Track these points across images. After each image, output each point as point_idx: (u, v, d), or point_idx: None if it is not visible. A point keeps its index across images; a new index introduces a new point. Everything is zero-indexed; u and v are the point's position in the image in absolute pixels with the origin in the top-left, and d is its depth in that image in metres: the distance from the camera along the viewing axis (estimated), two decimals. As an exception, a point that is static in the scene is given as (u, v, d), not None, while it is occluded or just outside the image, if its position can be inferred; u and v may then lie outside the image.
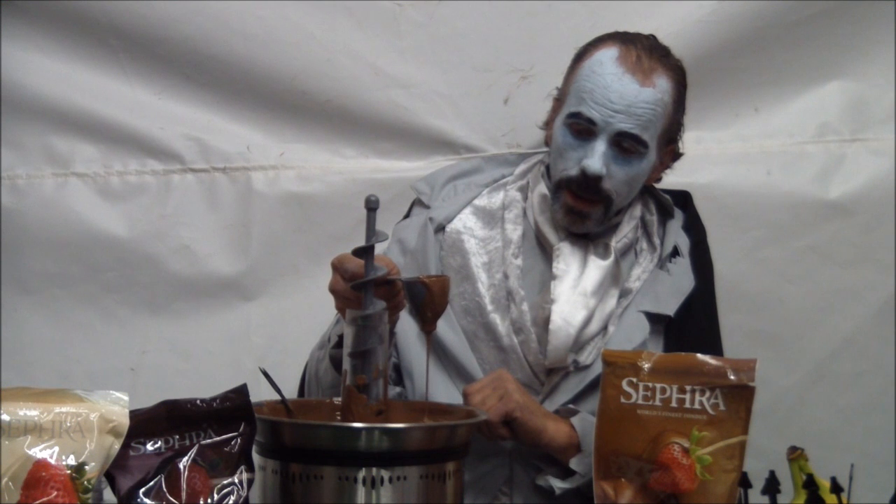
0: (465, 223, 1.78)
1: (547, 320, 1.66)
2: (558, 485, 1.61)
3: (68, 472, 1.11)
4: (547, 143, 1.78)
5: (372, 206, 1.35)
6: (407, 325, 1.67)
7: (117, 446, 1.15)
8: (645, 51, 1.66)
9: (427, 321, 1.44)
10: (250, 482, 1.22)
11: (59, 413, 1.13)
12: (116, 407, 1.17)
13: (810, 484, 1.32)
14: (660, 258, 1.76)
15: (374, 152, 2.14)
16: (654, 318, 1.70)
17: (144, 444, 1.19)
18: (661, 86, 1.66)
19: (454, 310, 1.71)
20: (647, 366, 1.37)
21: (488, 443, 1.62)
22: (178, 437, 1.21)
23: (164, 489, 1.18)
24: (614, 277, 1.71)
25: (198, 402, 1.22)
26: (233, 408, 1.23)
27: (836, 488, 1.30)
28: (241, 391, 1.25)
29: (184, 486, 1.18)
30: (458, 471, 1.32)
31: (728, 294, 1.90)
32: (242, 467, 1.22)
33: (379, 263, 1.39)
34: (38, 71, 2.11)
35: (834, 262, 2.07)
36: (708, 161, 2.08)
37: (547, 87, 1.81)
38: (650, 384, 1.36)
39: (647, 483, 1.34)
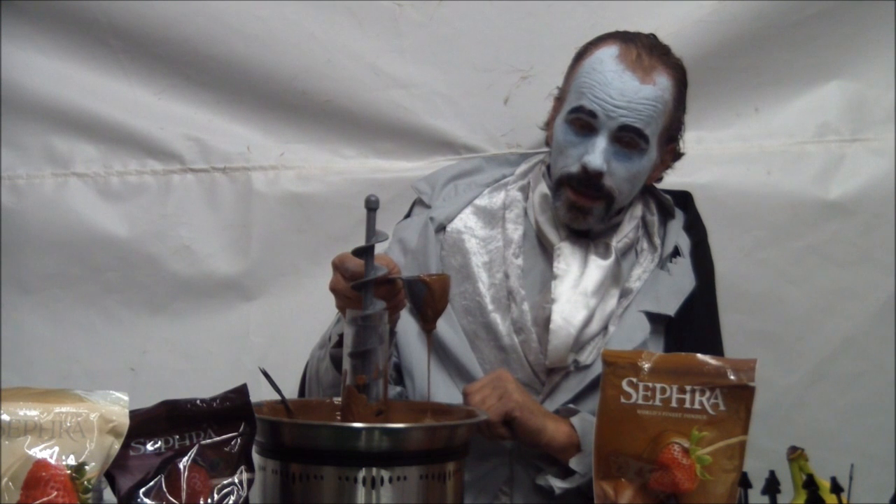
0: (466, 223, 1.78)
1: (547, 320, 1.66)
2: (558, 484, 1.61)
3: (68, 472, 1.11)
4: (548, 143, 1.78)
5: (372, 206, 1.35)
6: (407, 325, 1.67)
7: (117, 446, 1.15)
8: (645, 49, 1.67)
9: (428, 320, 1.44)
10: (250, 482, 1.22)
11: (59, 413, 1.13)
12: (116, 407, 1.16)
13: (810, 484, 1.32)
14: (660, 258, 1.76)
15: (374, 152, 2.14)
16: (654, 318, 1.70)
17: (144, 444, 1.19)
18: (662, 83, 1.66)
19: (455, 309, 1.71)
20: (647, 366, 1.37)
21: (489, 442, 1.62)
22: (178, 437, 1.21)
23: (164, 489, 1.18)
24: (615, 277, 1.71)
25: (198, 402, 1.22)
26: (233, 408, 1.23)
27: (836, 488, 1.30)
28: (241, 391, 1.25)
29: (184, 486, 1.18)
30: (459, 471, 1.32)
31: (728, 294, 1.90)
32: (242, 467, 1.22)
33: (379, 263, 1.39)
34: (38, 71, 2.12)
35: (834, 262, 2.07)
36: (708, 161, 2.08)
37: (547, 87, 1.81)
38: (650, 384, 1.36)
39: (647, 483, 1.34)
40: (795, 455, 1.35)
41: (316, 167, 2.14)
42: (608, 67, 1.65)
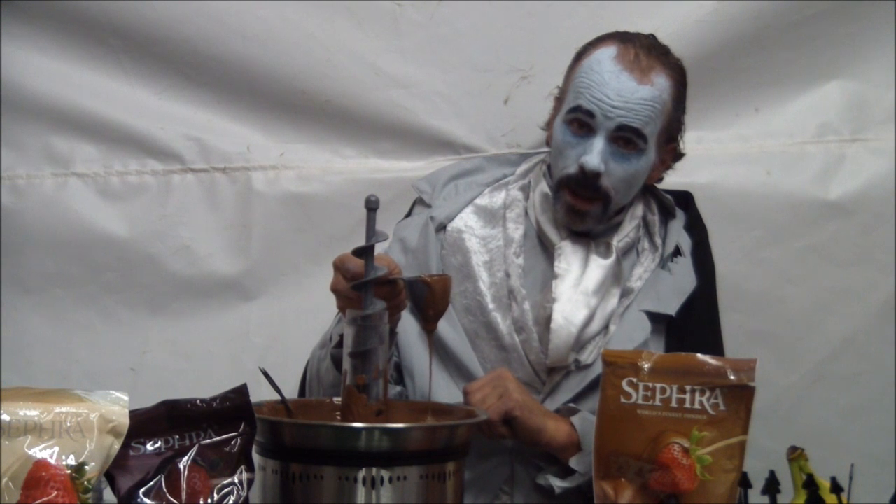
0: (467, 222, 1.78)
1: (548, 319, 1.66)
2: (558, 484, 1.61)
3: (68, 472, 1.11)
4: (548, 142, 1.78)
5: (372, 206, 1.35)
6: (408, 325, 1.67)
7: (117, 446, 1.15)
8: (643, 49, 1.67)
9: (429, 320, 1.44)
10: (250, 482, 1.22)
11: (59, 413, 1.13)
12: (116, 407, 1.16)
13: (810, 484, 1.32)
14: (661, 258, 1.76)
15: (374, 152, 2.14)
16: (655, 318, 1.70)
17: (144, 444, 1.19)
18: (660, 84, 1.66)
19: (455, 308, 1.71)
20: (647, 366, 1.37)
21: (489, 442, 1.62)
22: (178, 437, 1.21)
23: (164, 489, 1.18)
24: (616, 277, 1.71)
25: (198, 402, 1.22)
26: (233, 408, 1.23)
27: (836, 488, 1.30)
28: (241, 391, 1.25)
29: (184, 486, 1.18)
30: (459, 471, 1.32)
31: (728, 294, 1.90)
32: (242, 467, 1.22)
33: (380, 263, 1.39)
34: (38, 71, 2.12)
35: (834, 262, 2.07)
36: (708, 161, 2.08)
37: (547, 87, 1.81)
38: (650, 384, 1.36)
39: (647, 483, 1.33)
40: (795, 455, 1.35)
41: (316, 167, 2.14)
42: (606, 68, 1.65)
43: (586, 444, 1.57)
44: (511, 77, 2.10)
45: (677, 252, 1.76)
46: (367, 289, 1.36)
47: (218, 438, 1.22)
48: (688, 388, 1.34)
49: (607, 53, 1.67)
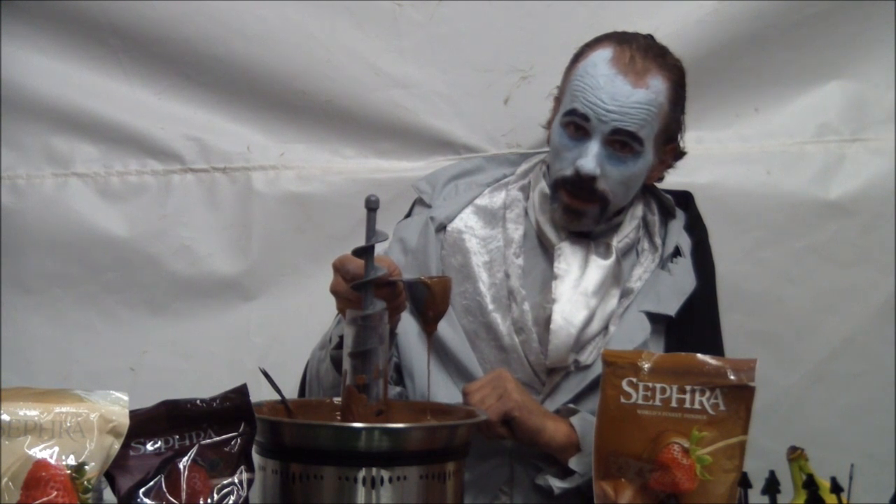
0: (467, 222, 1.78)
1: (548, 320, 1.67)
2: (558, 484, 1.61)
3: (68, 472, 1.11)
4: (549, 142, 1.78)
5: (372, 206, 1.35)
6: (408, 325, 1.67)
7: (117, 446, 1.15)
8: (640, 51, 1.67)
9: (429, 321, 1.44)
10: (250, 482, 1.22)
11: (59, 413, 1.13)
12: (116, 407, 1.16)
13: (810, 484, 1.32)
14: (661, 258, 1.76)
15: (374, 152, 2.14)
16: (655, 318, 1.70)
17: (144, 444, 1.19)
18: (655, 86, 1.66)
19: (455, 309, 1.71)
20: (647, 366, 1.37)
21: (488, 442, 1.62)
22: (178, 437, 1.21)
23: (164, 489, 1.18)
24: (615, 277, 1.71)
25: (198, 402, 1.22)
26: (233, 408, 1.23)
27: (836, 488, 1.30)
28: (241, 391, 1.25)
29: (184, 486, 1.18)
30: (459, 471, 1.32)
31: (728, 294, 1.90)
32: (242, 467, 1.22)
33: (380, 264, 1.39)
34: (38, 71, 2.12)
35: (834, 262, 2.07)
36: (708, 161, 2.08)
37: (547, 87, 1.81)
38: (650, 384, 1.36)
39: (647, 483, 1.33)
40: (795, 455, 1.35)
41: (316, 167, 2.14)
42: (601, 71, 1.65)
43: (586, 445, 1.57)
44: (511, 77, 2.10)
45: (677, 252, 1.76)
46: (366, 289, 1.36)
47: (218, 438, 1.22)
48: (688, 388, 1.34)
49: (603, 56, 1.67)
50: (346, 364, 1.36)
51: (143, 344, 2.13)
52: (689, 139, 1.82)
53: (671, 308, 1.70)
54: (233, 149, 2.14)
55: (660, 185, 1.83)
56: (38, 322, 2.13)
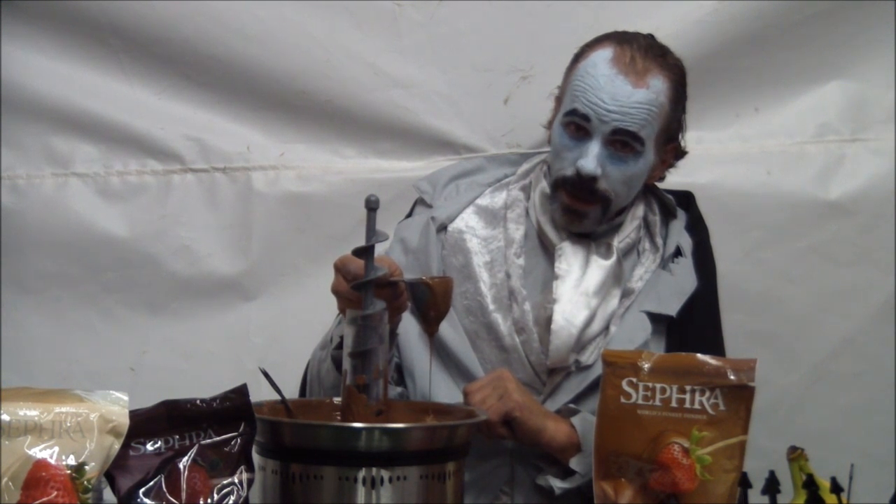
0: (468, 222, 1.78)
1: (549, 320, 1.66)
2: (558, 485, 1.61)
3: (68, 472, 1.11)
4: (549, 142, 1.78)
5: (372, 206, 1.35)
6: (409, 326, 1.67)
7: (117, 446, 1.15)
8: (640, 51, 1.67)
9: (430, 322, 1.44)
10: (250, 482, 1.22)
11: (59, 413, 1.13)
12: (116, 407, 1.16)
13: (810, 484, 1.32)
14: (662, 258, 1.76)
15: (374, 152, 2.14)
16: (656, 319, 1.70)
17: (144, 444, 1.19)
18: (656, 86, 1.66)
19: (456, 309, 1.71)
20: (647, 366, 1.37)
21: (489, 442, 1.62)
22: (178, 437, 1.21)
23: (164, 489, 1.18)
24: (616, 277, 1.71)
25: (198, 402, 1.22)
26: (233, 408, 1.23)
27: (836, 488, 1.30)
28: (241, 391, 1.25)
29: (184, 486, 1.18)
30: (459, 471, 1.32)
31: (728, 294, 1.89)
32: (242, 467, 1.22)
33: (381, 264, 1.39)
34: (38, 71, 2.12)
35: (834, 262, 2.08)
36: (708, 161, 2.08)
37: (547, 87, 1.81)
38: (650, 384, 1.36)
39: (647, 483, 1.33)
40: (795, 455, 1.35)
41: (316, 167, 2.14)
42: (601, 71, 1.65)
43: (586, 445, 1.57)
44: (511, 77, 2.10)
45: (678, 252, 1.76)
46: (367, 289, 1.36)
47: (218, 438, 1.22)
48: (688, 388, 1.34)
49: (603, 56, 1.67)
50: (346, 364, 1.36)
51: (143, 344, 2.13)
52: (690, 139, 1.82)
53: (672, 308, 1.70)
54: (233, 149, 2.14)
55: (661, 185, 1.83)
56: (38, 322, 2.13)
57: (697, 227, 1.82)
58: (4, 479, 1.09)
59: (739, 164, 2.10)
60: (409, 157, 2.12)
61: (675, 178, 1.85)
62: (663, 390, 1.35)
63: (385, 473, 1.23)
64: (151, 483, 1.18)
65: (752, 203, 2.08)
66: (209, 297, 2.13)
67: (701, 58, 1.96)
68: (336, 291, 1.44)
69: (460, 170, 1.88)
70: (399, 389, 1.70)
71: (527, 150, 2.01)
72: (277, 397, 1.40)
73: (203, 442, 1.21)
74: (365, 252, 1.36)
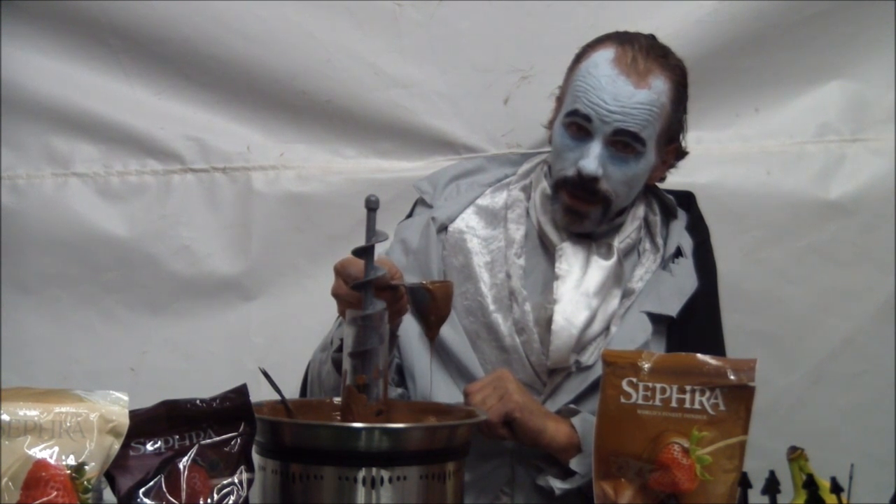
0: (468, 223, 1.78)
1: (549, 320, 1.66)
2: (558, 485, 1.61)
3: (68, 472, 1.11)
4: (550, 142, 1.78)
5: (372, 206, 1.35)
6: (409, 327, 1.67)
7: (117, 446, 1.15)
8: (641, 52, 1.67)
9: (430, 326, 1.45)
10: (250, 482, 1.22)
11: (59, 413, 1.13)
12: (116, 407, 1.16)
13: (810, 484, 1.32)
14: (663, 258, 1.76)
15: (374, 152, 2.14)
16: (656, 319, 1.70)
17: (144, 444, 1.19)
18: (657, 87, 1.66)
19: (456, 309, 1.71)
20: (647, 366, 1.37)
21: (489, 443, 1.62)
22: (178, 437, 1.21)
23: (164, 489, 1.18)
24: (617, 278, 1.71)
25: (198, 402, 1.22)
26: (233, 408, 1.23)
27: (836, 488, 1.30)
28: (241, 391, 1.25)
29: (184, 486, 1.18)
30: (459, 471, 1.32)
31: (728, 294, 1.90)
32: (242, 467, 1.22)
33: (381, 266, 1.39)
34: (38, 71, 2.12)
35: (834, 262, 2.08)
36: (708, 161, 2.08)
37: (547, 87, 1.81)
38: (650, 384, 1.36)
39: (647, 483, 1.33)
40: (795, 455, 1.35)
41: (316, 167, 2.14)
42: (602, 72, 1.65)
43: (587, 446, 1.57)
44: (511, 77, 2.10)
45: (679, 253, 1.76)
46: (367, 288, 1.36)
47: (218, 438, 1.22)
48: (688, 388, 1.34)
49: (605, 56, 1.67)
50: (346, 364, 1.36)
51: (143, 344, 2.13)
52: (690, 139, 1.82)
53: (672, 309, 1.70)
54: (233, 149, 2.14)
55: (661, 186, 1.83)
56: (38, 322, 2.13)
57: (698, 228, 1.82)
58: (4, 479, 1.09)
59: (739, 164, 2.10)
60: (409, 157, 2.12)
61: (676, 178, 1.85)
62: (663, 390, 1.35)
63: (385, 473, 1.23)
64: (151, 483, 1.18)
65: (752, 203, 2.08)
66: (209, 297, 2.13)
67: (701, 58, 1.96)
68: (336, 294, 1.44)
69: (460, 170, 1.88)
70: (399, 390, 1.70)
71: (527, 150, 2.01)
72: (277, 397, 1.40)
73: (203, 442, 1.21)
74: (365, 252, 1.36)
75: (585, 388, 1.67)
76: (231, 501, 1.19)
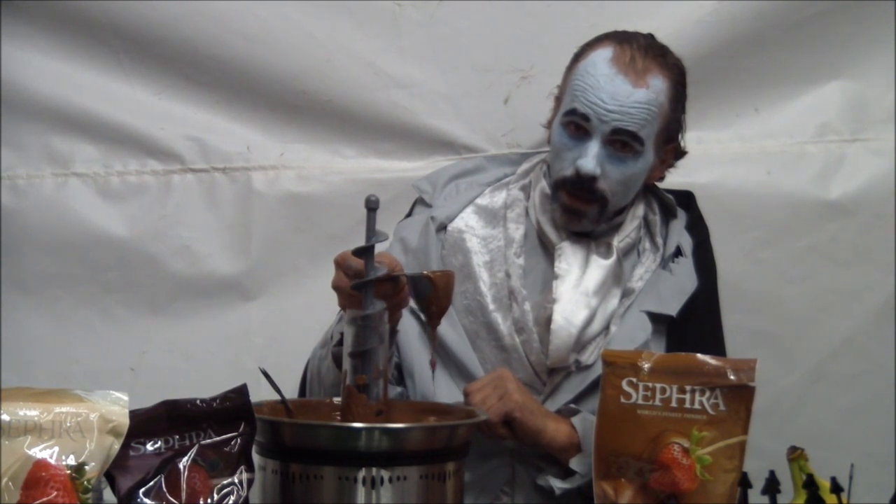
0: (467, 222, 1.78)
1: (549, 320, 1.66)
2: (558, 485, 1.61)
3: (68, 472, 1.11)
4: (549, 142, 1.78)
5: (372, 206, 1.35)
6: (408, 325, 1.67)
7: (117, 446, 1.15)
8: (640, 51, 1.67)
9: (432, 317, 1.44)
10: (250, 482, 1.22)
11: (59, 413, 1.13)
12: (116, 407, 1.16)
13: (810, 484, 1.32)
14: (662, 258, 1.76)
15: (374, 152, 2.14)
16: (656, 319, 1.70)
17: (144, 444, 1.19)
18: (656, 86, 1.66)
19: (456, 309, 1.71)
20: (646, 366, 1.37)
21: (489, 443, 1.62)
22: (178, 437, 1.21)
23: (164, 489, 1.18)
24: (616, 277, 1.71)
25: (198, 402, 1.22)
26: (233, 408, 1.23)
27: (836, 488, 1.30)
28: (241, 391, 1.25)
29: (184, 486, 1.18)
30: (459, 471, 1.32)
31: (728, 294, 1.90)
32: (242, 467, 1.22)
33: (381, 260, 1.39)
34: (38, 71, 2.11)
35: (834, 262, 2.07)
36: (708, 161, 2.08)
37: (547, 87, 1.81)
38: (650, 384, 1.36)
39: (647, 483, 1.34)
40: (795, 455, 1.35)
41: (316, 167, 2.14)
42: (601, 71, 1.65)
43: (587, 445, 1.57)
44: (511, 77, 2.10)
45: (678, 252, 1.76)
46: (367, 289, 1.36)
47: (218, 438, 1.22)
48: (688, 388, 1.34)
49: (603, 55, 1.67)
50: (346, 364, 1.36)
51: (143, 344, 2.13)
52: (690, 139, 1.82)
53: (672, 308, 1.70)
54: (233, 149, 2.14)
55: (661, 185, 1.83)
56: (38, 322, 2.12)
57: (698, 227, 1.82)
58: (4, 479, 1.09)
59: (739, 164, 2.10)
60: (409, 157, 2.12)
61: (675, 178, 1.85)
62: (663, 390, 1.35)
63: (385, 473, 1.23)
64: (151, 483, 1.18)
65: (752, 203, 2.08)
66: (209, 297, 2.13)
67: (701, 58, 1.96)
68: (337, 287, 1.44)
69: (460, 169, 1.88)
70: (399, 389, 1.70)
71: (527, 150, 2.01)
72: (277, 397, 1.40)
73: (203, 442, 1.21)
74: (365, 252, 1.36)
75: (585, 387, 1.67)
76: (231, 501, 1.19)
